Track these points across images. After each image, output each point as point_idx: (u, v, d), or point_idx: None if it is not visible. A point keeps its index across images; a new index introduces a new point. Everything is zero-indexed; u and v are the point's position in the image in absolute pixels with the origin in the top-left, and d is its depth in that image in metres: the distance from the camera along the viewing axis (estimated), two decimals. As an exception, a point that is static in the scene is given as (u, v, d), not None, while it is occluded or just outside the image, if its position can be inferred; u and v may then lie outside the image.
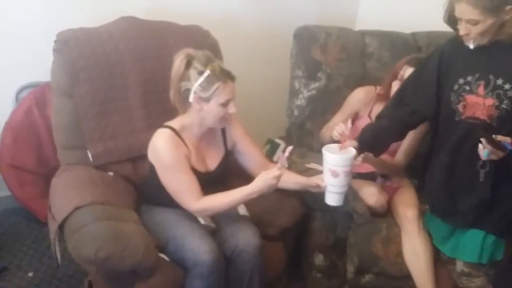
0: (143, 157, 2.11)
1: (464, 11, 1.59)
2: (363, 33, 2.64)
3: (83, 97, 1.98)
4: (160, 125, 2.12)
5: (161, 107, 2.15)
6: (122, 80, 2.05)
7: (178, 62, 1.78)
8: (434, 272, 2.05)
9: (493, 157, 1.60)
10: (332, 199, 1.90)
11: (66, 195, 1.82)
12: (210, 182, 1.90)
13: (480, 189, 1.75)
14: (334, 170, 1.82)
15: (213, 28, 2.35)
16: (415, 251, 2.06)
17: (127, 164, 2.10)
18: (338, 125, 2.04)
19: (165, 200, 1.86)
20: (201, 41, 2.27)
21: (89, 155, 2.01)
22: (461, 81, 1.71)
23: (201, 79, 1.75)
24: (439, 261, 2.06)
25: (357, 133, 2.28)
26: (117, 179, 2.05)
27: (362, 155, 2.00)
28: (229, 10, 2.69)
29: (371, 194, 2.12)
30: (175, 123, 1.87)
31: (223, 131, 1.98)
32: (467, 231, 1.84)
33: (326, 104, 2.51)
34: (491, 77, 1.66)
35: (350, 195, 2.07)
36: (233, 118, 1.96)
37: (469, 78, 1.70)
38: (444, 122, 1.80)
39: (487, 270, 1.89)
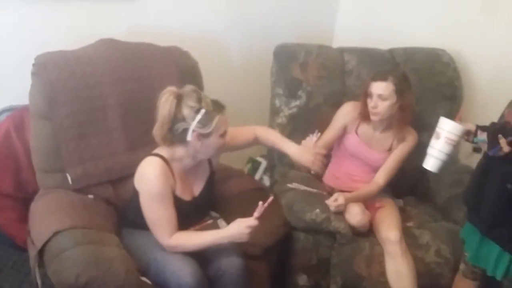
0: (124, 179, 2.11)
1: None
2: (342, 50, 2.67)
3: (61, 120, 1.95)
4: (140, 146, 2.13)
5: (141, 128, 2.13)
6: (101, 102, 2.03)
7: (167, 103, 1.74)
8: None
9: (483, 146, 1.66)
10: (428, 162, 1.92)
11: (45, 219, 1.79)
12: (195, 208, 1.89)
13: (497, 197, 1.76)
14: (438, 132, 1.88)
15: (192, 48, 2.35)
16: (398, 272, 2.07)
17: (107, 186, 2.07)
18: (305, 139, 2.06)
19: (146, 224, 1.84)
20: (180, 62, 2.27)
21: (69, 178, 1.98)
22: None
23: (199, 117, 1.74)
24: (464, 278, 2.05)
25: (345, 151, 2.31)
26: (97, 201, 2.02)
27: (342, 198, 2.08)
28: (208, 31, 2.69)
29: (354, 214, 2.13)
30: (164, 152, 1.83)
31: (209, 160, 1.98)
32: (488, 241, 1.85)
33: (307, 122, 2.52)
34: None
35: (332, 214, 2.08)
36: None
37: None
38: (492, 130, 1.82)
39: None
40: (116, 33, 2.20)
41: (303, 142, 2.05)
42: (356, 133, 2.32)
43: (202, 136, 1.77)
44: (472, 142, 1.83)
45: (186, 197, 1.89)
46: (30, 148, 2.10)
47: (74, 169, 1.98)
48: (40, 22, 2.20)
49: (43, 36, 2.19)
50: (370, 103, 2.20)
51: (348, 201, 2.12)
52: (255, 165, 2.96)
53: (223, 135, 1.81)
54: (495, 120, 1.92)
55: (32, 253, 1.74)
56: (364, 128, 2.31)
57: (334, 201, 2.09)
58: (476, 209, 1.88)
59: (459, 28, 2.68)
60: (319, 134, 2.05)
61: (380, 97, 2.17)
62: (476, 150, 1.80)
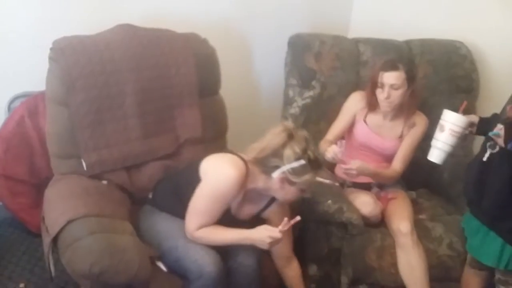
0: (138, 166, 2.12)
1: None
2: (357, 41, 2.65)
3: (78, 106, 1.95)
4: (155, 133, 2.13)
5: (156, 116, 2.14)
6: (118, 89, 2.02)
7: (278, 136, 1.76)
8: (429, 285, 2.07)
9: (497, 140, 1.67)
10: (433, 154, 1.95)
11: (59, 207, 1.80)
12: (229, 222, 1.86)
13: (500, 190, 1.78)
14: (442, 124, 1.90)
15: (208, 35, 2.34)
16: (410, 264, 2.07)
17: (122, 173, 2.07)
18: (331, 147, 2.05)
19: (176, 209, 1.85)
20: (198, 49, 2.26)
21: (84, 164, 1.98)
22: None
23: (295, 164, 1.74)
24: (471, 268, 2.08)
25: (355, 141, 2.29)
26: (111, 188, 2.03)
27: (356, 166, 2.03)
28: (225, 18, 2.67)
29: (366, 204, 2.12)
30: (250, 164, 1.83)
31: (272, 199, 1.96)
32: (491, 233, 1.87)
33: (320, 112, 2.51)
34: None
35: (345, 205, 2.08)
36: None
37: None
38: (494, 121, 1.85)
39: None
40: (133, 19, 2.18)
41: (329, 149, 2.04)
42: (365, 122, 2.30)
43: (286, 181, 1.77)
44: (484, 135, 1.86)
45: (233, 209, 1.90)
46: (44, 134, 2.11)
47: (89, 155, 1.98)
48: (56, 6, 2.20)
49: (59, 22, 2.19)
50: (382, 94, 2.17)
51: (362, 172, 2.09)
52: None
53: (303, 191, 1.82)
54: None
55: (46, 240, 1.75)
56: (373, 117, 2.29)
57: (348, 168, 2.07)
58: (477, 201, 1.90)
59: (477, 20, 2.65)
60: (344, 142, 2.02)
61: (393, 86, 2.15)
62: (491, 146, 1.79)
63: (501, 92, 2.61)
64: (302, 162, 1.73)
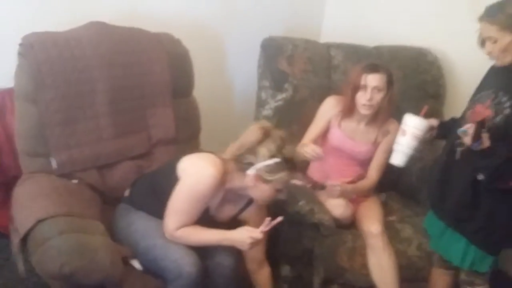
0: (110, 165, 2.09)
1: (484, 29, 1.73)
2: (328, 46, 2.69)
3: (48, 103, 1.91)
4: (128, 132, 2.11)
5: (129, 115, 2.12)
6: (89, 87, 1.99)
7: (254, 134, 1.77)
8: (399, 285, 2.10)
9: (464, 138, 1.70)
10: (395, 157, 1.97)
11: (28, 206, 1.75)
12: (208, 223, 1.86)
13: (464, 191, 1.82)
14: (404, 129, 1.93)
15: (182, 36, 2.33)
16: (380, 265, 2.10)
17: (93, 172, 2.04)
18: (309, 146, 2.07)
19: (154, 208, 1.83)
20: (171, 49, 2.25)
21: (53, 163, 1.94)
22: (481, 93, 1.85)
23: (269, 162, 1.73)
24: (438, 268, 2.12)
25: (329, 146, 2.31)
26: (82, 187, 1.99)
27: (339, 188, 2.12)
28: (198, 19, 2.66)
29: (337, 206, 2.15)
30: (227, 164, 1.82)
31: (250, 200, 1.95)
32: (456, 234, 1.90)
33: (293, 115, 2.53)
34: (500, 93, 1.75)
35: (316, 206, 2.10)
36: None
37: (486, 92, 1.81)
38: (454, 126, 1.91)
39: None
40: (106, 17, 2.15)
41: (307, 148, 2.07)
42: (340, 126, 2.32)
43: (261, 180, 1.76)
44: (444, 138, 1.97)
45: (211, 209, 1.88)
46: (11, 132, 2.05)
47: (59, 154, 1.94)
48: (26, 2, 2.14)
49: (28, 16, 2.13)
50: (363, 96, 2.18)
51: (344, 191, 2.14)
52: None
53: (278, 191, 1.80)
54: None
55: (15, 240, 1.69)
56: (347, 121, 2.31)
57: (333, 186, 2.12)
58: (441, 202, 1.94)
59: (444, 27, 2.72)
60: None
61: (376, 88, 2.17)
62: (459, 145, 1.84)
63: (466, 98, 2.70)
64: (277, 160, 1.74)
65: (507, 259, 2.38)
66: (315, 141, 2.32)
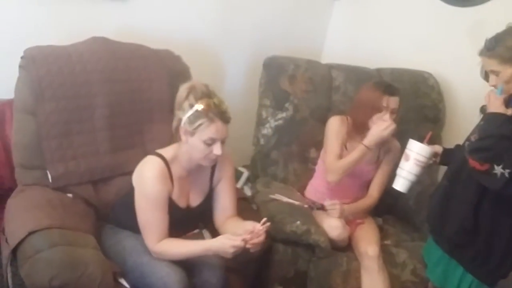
0: (105, 180, 2.08)
1: (485, 63, 1.75)
2: (330, 67, 2.70)
3: (47, 116, 1.91)
4: (124, 148, 2.11)
5: (126, 130, 2.12)
6: (88, 101, 2.00)
7: (181, 91, 1.77)
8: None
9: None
10: (398, 183, 1.97)
11: (21, 217, 1.75)
12: (189, 218, 1.88)
13: (464, 216, 1.81)
14: (407, 154, 1.94)
15: (183, 53, 2.35)
16: (373, 287, 2.08)
17: (87, 186, 2.03)
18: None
19: (134, 224, 1.81)
20: (171, 65, 2.26)
21: (49, 176, 1.93)
22: None
23: (190, 112, 1.72)
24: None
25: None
26: (77, 201, 1.98)
27: (338, 207, 2.15)
28: (199, 37, 2.69)
29: (334, 227, 2.14)
30: (168, 152, 1.83)
31: (213, 167, 1.94)
32: (453, 261, 1.89)
33: (292, 134, 2.54)
34: None
35: (313, 227, 2.09)
36: (226, 158, 1.93)
37: None
38: (457, 152, 1.92)
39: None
40: (108, 32, 2.17)
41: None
42: (346, 147, 2.31)
43: (187, 133, 1.75)
44: (447, 165, 1.97)
45: (182, 203, 1.87)
46: (9, 143, 2.05)
47: (55, 167, 1.93)
48: (29, 15, 2.17)
49: (31, 30, 2.15)
50: (382, 117, 2.15)
51: (343, 210, 2.16)
52: (237, 175, 2.94)
53: (208, 143, 1.75)
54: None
55: (5, 252, 1.69)
56: (352, 142, 2.30)
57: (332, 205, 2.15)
58: (440, 228, 1.93)
59: (445, 52, 2.73)
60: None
61: (393, 111, 2.17)
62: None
63: (466, 123, 2.70)
64: (194, 108, 1.71)
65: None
66: (340, 156, 2.27)
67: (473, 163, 1.68)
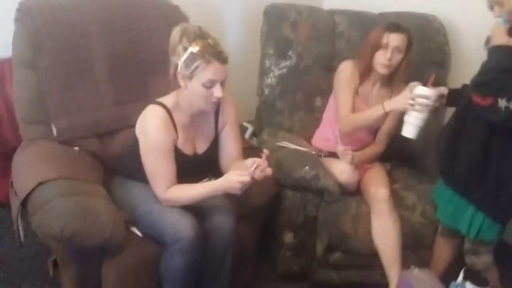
0: (111, 133, 2.08)
1: None
2: (332, 12, 2.63)
3: (46, 69, 1.88)
4: (128, 100, 2.09)
5: (129, 82, 2.09)
6: (88, 53, 1.96)
7: (173, 34, 1.71)
8: (401, 252, 2.09)
9: None
10: (406, 129, 1.97)
11: (29, 170, 1.75)
12: (197, 166, 1.85)
13: (473, 154, 1.80)
14: (414, 99, 1.90)
15: (181, 4, 2.28)
16: (384, 231, 2.08)
17: (93, 139, 2.02)
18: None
19: (142, 174, 1.80)
20: (171, 16, 2.20)
21: (54, 129, 1.92)
22: None
23: (185, 56, 1.67)
24: (442, 237, 2.12)
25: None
26: (83, 154, 1.97)
27: (351, 152, 2.12)
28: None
29: (343, 171, 2.12)
30: (169, 99, 1.80)
31: (217, 112, 1.91)
32: (463, 201, 1.89)
33: (296, 83, 2.50)
34: None
35: (321, 172, 2.08)
36: (228, 101, 1.90)
37: None
38: (464, 91, 1.89)
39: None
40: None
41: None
42: (358, 93, 2.26)
43: (185, 77, 1.71)
44: (455, 106, 1.95)
45: (188, 151, 1.85)
46: (11, 103, 2.04)
47: (59, 120, 1.92)
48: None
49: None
50: (384, 55, 2.12)
51: (353, 160, 2.15)
52: (242, 130, 2.92)
53: (207, 86, 1.70)
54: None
55: (15, 204, 1.69)
56: (364, 86, 2.26)
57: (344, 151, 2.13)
58: (450, 168, 1.92)
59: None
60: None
61: (397, 48, 2.12)
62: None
63: (471, 65, 2.65)
64: (189, 51, 1.66)
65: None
66: (352, 109, 2.24)
67: (476, 99, 1.66)
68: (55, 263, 1.90)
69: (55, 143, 1.92)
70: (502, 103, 1.59)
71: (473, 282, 1.82)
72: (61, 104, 1.92)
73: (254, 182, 1.71)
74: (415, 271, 1.96)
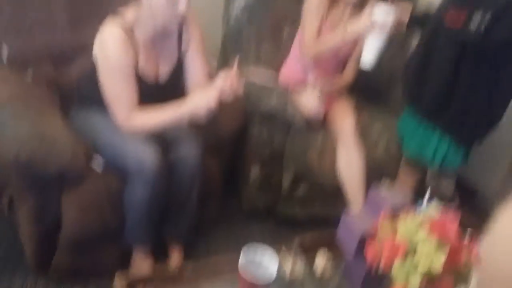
0: (66, 60, 1.93)
1: None
2: None
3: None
4: (86, 23, 1.93)
5: (86, 4, 1.94)
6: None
7: None
8: (365, 184, 2.09)
9: None
10: (364, 57, 1.90)
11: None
12: (159, 94, 1.73)
13: (442, 79, 1.80)
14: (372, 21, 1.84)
15: None
16: (349, 163, 2.08)
17: (47, 67, 1.88)
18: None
19: (102, 101, 1.69)
20: None
21: (5, 50, 1.76)
22: None
23: None
24: (405, 168, 2.12)
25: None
26: (37, 83, 1.83)
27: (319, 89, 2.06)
28: None
29: (310, 103, 2.08)
30: (127, 15, 1.64)
31: (180, 35, 1.78)
32: (428, 130, 1.90)
33: (263, 12, 2.39)
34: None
35: (289, 103, 2.03)
36: (192, 20, 1.77)
37: None
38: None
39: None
40: None
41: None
42: (326, 19, 2.15)
43: None
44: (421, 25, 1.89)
45: (150, 76, 1.73)
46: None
47: (10, 39, 1.77)
48: None
49: None
50: None
51: (322, 89, 2.09)
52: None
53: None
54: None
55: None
56: (333, 13, 2.16)
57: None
58: (418, 96, 1.92)
59: None
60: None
61: None
62: None
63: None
64: None
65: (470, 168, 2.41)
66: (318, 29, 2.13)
67: (451, 15, 1.63)
68: (11, 199, 1.80)
69: (5, 69, 1.78)
70: (477, 17, 1.56)
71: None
72: (12, 21, 1.77)
73: (221, 103, 1.63)
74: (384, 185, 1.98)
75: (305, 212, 2.26)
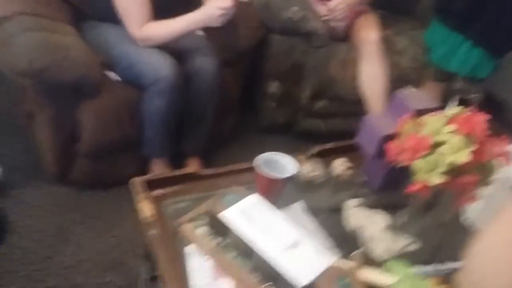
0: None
1: None
2: None
3: None
4: None
5: None
6: None
7: None
8: (387, 98, 2.02)
9: None
10: None
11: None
12: (174, 6, 1.66)
13: None
14: None
15: None
16: (371, 75, 2.01)
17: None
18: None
19: (115, 14, 1.63)
20: None
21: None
22: None
23: None
24: (431, 81, 2.06)
25: None
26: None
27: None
28: None
29: (333, 13, 1.98)
30: None
31: None
32: (458, 39, 1.84)
33: None
34: None
35: (311, 13, 1.93)
36: None
37: None
38: None
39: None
40: None
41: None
42: None
43: None
44: None
45: None
46: None
47: None
48: None
49: None
50: None
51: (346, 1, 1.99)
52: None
53: None
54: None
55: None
56: None
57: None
58: (448, 5, 1.86)
59: None
60: None
61: None
62: None
63: None
64: None
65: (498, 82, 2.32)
66: None
67: None
68: (29, 114, 1.79)
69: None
70: None
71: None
72: None
73: (236, 9, 1.58)
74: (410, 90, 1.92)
75: (327, 126, 2.21)
